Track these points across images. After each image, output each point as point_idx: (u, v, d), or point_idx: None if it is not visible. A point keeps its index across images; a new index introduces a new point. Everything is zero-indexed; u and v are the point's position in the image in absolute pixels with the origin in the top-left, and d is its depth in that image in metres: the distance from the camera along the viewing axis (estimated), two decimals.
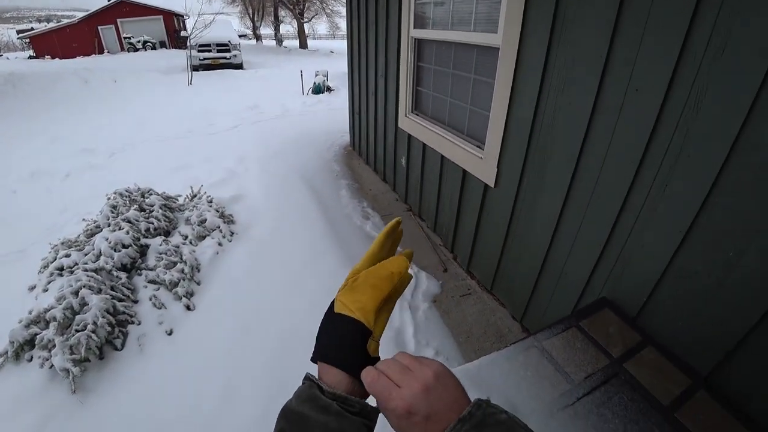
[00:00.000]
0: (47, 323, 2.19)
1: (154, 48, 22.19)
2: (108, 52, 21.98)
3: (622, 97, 1.58)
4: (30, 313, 2.27)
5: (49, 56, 21.11)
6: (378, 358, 0.51)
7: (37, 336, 2.14)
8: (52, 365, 2.03)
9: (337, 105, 8.68)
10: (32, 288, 2.68)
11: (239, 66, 15.48)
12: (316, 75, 10.32)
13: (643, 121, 1.51)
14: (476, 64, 2.53)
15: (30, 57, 22.05)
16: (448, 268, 3.16)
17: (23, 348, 2.15)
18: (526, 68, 2.05)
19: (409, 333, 2.49)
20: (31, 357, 2.13)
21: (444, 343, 2.46)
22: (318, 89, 10.06)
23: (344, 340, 0.50)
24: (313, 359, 0.51)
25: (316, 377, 0.49)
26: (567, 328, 1.69)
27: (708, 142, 1.32)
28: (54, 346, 2.06)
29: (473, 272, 3.01)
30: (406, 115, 3.61)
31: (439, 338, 2.49)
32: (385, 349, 2.07)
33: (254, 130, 6.63)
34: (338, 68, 11.83)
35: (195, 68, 13.58)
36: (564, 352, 1.60)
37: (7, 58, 22.78)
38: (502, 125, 2.27)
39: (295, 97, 9.66)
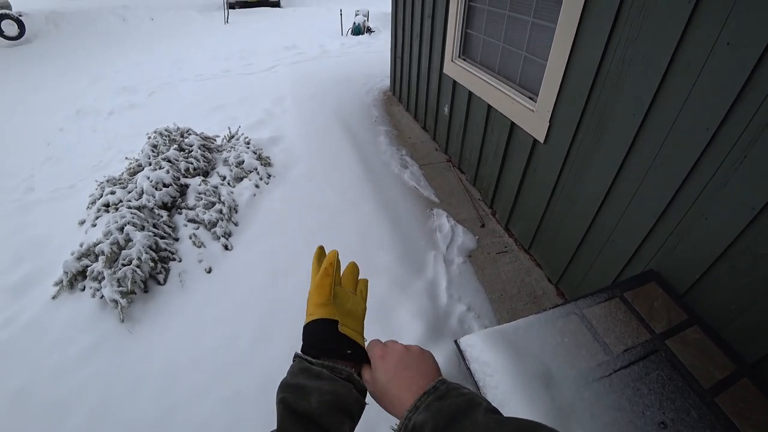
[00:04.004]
0: (96, 256, 2.32)
1: None
2: None
3: (708, 51, 1.37)
4: (81, 246, 2.41)
5: None
6: (359, 342, 0.62)
7: (88, 268, 2.27)
8: (102, 296, 2.17)
9: (377, 47, 8.32)
10: (82, 222, 2.83)
11: (277, 4, 14.85)
12: (356, 15, 9.82)
13: (728, 82, 1.32)
14: (537, 6, 2.29)
15: None
16: (486, 223, 3.08)
17: (76, 278, 2.29)
18: (596, 12, 1.82)
19: (442, 286, 2.48)
20: (84, 287, 2.28)
21: (476, 299, 2.45)
22: (358, 30, 9.62)
23: (318, 335, 0.60)
24: (304, 353, 0.61)
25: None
26: (610, 297, 1.63)
27: None
28: (103, 278, 2.18)
29: (511, 230, 2.93)
30: (452, 60, 3.39)
31: (472, 294, 2.48)
32: (418, 303, 2.05)
33: (292, 71, 6.49)
34: (379, 8, 11.15)
35: (231, 6, 13.13)
36: (604, 322, 1.55)
37: None
38: (559, 76, 2.07)
39: (333, 37, 9.32)
